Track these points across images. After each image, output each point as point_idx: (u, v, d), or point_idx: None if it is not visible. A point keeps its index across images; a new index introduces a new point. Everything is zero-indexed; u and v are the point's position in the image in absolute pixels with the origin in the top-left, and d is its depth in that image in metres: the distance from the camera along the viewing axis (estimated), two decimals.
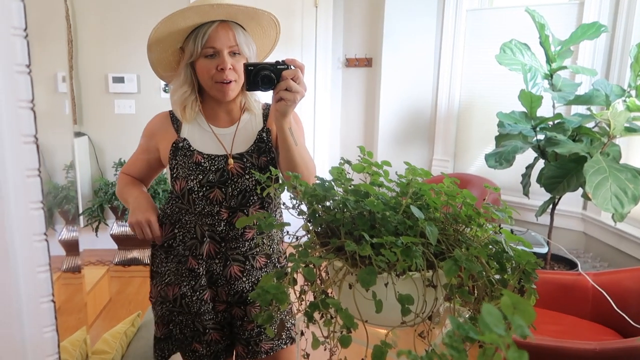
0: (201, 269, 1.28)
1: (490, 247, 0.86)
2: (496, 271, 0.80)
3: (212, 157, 1.27)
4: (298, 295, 0.85)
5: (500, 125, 2.50)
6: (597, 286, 1.79)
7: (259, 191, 1.28)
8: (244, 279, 1.29)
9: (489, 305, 0.36)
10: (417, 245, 0.72)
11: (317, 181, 0.96)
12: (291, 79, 1.12)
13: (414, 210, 0.75)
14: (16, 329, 0.52)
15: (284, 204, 0.94)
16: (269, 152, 1.30)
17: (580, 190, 2.25)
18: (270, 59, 1.34)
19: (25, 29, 0.47)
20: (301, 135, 1.32)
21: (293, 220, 1.00)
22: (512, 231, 2.40)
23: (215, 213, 1.26)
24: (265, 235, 1.31)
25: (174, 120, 1.32)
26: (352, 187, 0.93)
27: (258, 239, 1.30)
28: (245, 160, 1.27)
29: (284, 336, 1.33)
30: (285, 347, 1.33)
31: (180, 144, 1.28)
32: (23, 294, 0.52)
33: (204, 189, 1.26)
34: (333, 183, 0.94)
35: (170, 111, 1.34)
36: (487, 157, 2.36)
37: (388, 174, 0.97)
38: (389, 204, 0.85)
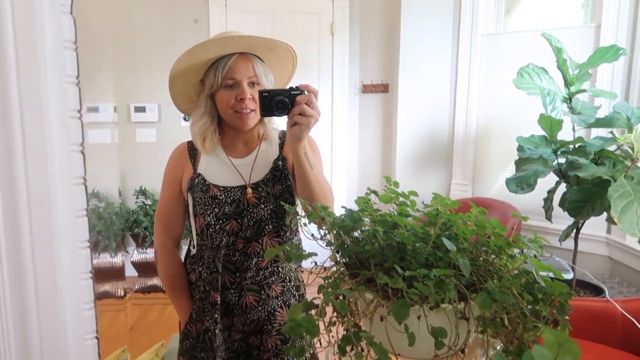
0: (220, 300, 1.28)
1: (521, 278, 0.85)
2: (528, 302, 0.79)
3: (229, 189, 1.28)
4: (326, 326, 0.85)
5: (520, 149, 2.48)
6: (626, 314, 1.74)
7: (280, 218, 1.29)
8: (260, 308, 1.29)
9: (539, 347, 0.36)
10: (449, 277, 0.72)
11: (343, 210, 0.96)
12: (305, 103, 1.13)
13: (446, 242, 0.76)
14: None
15: (312, 235, 0.95)
16: (284, 181, 1.31)
17: (603, 214, 2.22)
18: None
19: (77, 77, 0.50)
20: (318, 161, 1.32)
21: (318, 250, 1.01)
22: (534, 256, 2.36)
23: (231, 244, 1.27)
24: (281, 263, 1.32)
25: (192, 154, 1.35)
26: (379, 217, 0.93)
27: (280, 266, 1.31)
28: (260, 189, 1.29)
29: None
30: None
31: (196, 180, 1.30)
32: (69, 331, 0.53)
33: (220, 221, 1.27)
34: (360, 215, 0.94)
35: (188, 142, 1.37)
36: (508, 182, 2.35)
37: (415, 204, 0.98)
38: (418, 235, 0.86)
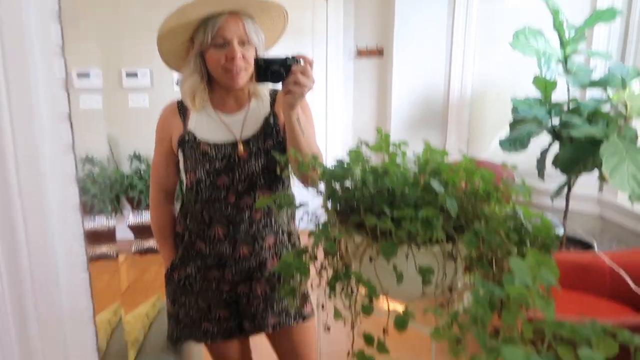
0: (208, 250, 1.31)
1: (509, 222, 0.87)
2: (515, 244, 0.81)
3: (219, 145, 1.29)
4: (318, 270, 0.87)
5: (515, 111, 2.49)
6: (613, 265, 1.79)
7: (272, 172, 1.30)
8: (252, 259, 1.32)
9: (516, 259, 0.37)
10: (437, 217, 0.74)
11: (335, 163, 0.98)
12: (300, 72, 1.14)
13: (434, 184, 0.77)
14: (55, 299, 0.55)
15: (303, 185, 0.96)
16: (275, 136, 1.32)
17: (595, 174, 2.24)
18: (281, 49, 1.36)
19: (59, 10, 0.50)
20: (310, 127, 1.34)
21: (311, 202, 1.02)
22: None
23: (223, 198, 1.29)
24: (273, 215, 1.34)
25: (181, 111, 1.35)
26: (371, 166, 0.94)
27: (272, 218, 1.34)
28: (251, 145, 1.30)
29: (292, 313, 1.36)
30: (295, 324, 1.36)
31: (187, 137, 1.30)
32: (60, 265, 0.54)
33: (211, 176, 1.29)
34: (352, 164, 0.95)
35: (178, 101, 1.37)
36: (502, 142, 2.36)
37: (405, 154, 0.98)
38: (407, 181, 0.87)
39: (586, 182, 2.78)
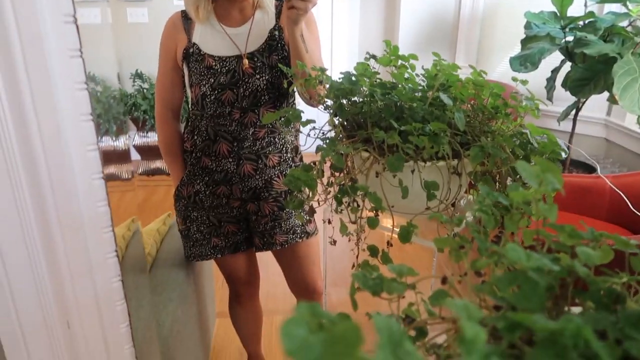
0: (214, 165, 1.32)
1: (515, 139, 0.87)
2: (519, 158, 0.82)
3: (224, 58, 1.27)
4: (324, 186, 0.89)
5: (528, 26, 2.39)
6: (614, 187, 1.81)
7: (276, 88, 1.29)
8: (257, 177, 1.33)
9: (523, 162, 0.38)
10: (444, 132, 0.74)
11: (341, 77, 0.96)
12: None
13: (443, 97, 0.76)
14: (80, 231, 0.56)
15: (310, 98, 0.95)
16: (280, 50, 1.29)
17: (605, 96, 2.19)
18: None
19: None
20: (315, 42, 1.30)
21: (318, 118, 1.01)
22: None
23: (227, 114, 1.28)
24: (277, 134, 1.34)
25: (186, 23, 1.31)
26: (378, 80, 0.92)
27: (277, 137, 1.34)
28: (256, 59, 1.27)
29: (298, 230, 1.40)
30: (300, 240, 1.40)
31: (191, 50, 1.28)
32: (82, 200, 0.55)
33: (216, 91, 1.27)
34: (359, 77, 0.94)
35: (182, 11, 1.33)
36: (512, 60, 2.29)
37: (414, 68, 0.96)
38: (416, 94, 0.86)
39: (594, 105, 2.74)
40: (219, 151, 1.31)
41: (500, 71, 3.24)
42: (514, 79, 0.98)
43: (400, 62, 0.95)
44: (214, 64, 1.26)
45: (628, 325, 0.31)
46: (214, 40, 1.28)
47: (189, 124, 1.37)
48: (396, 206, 0.82)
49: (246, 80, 1.26)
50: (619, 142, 2.77)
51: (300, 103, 1.33)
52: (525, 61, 2.22)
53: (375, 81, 0.92)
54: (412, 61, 0.97)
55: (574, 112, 2.39)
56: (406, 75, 0.97)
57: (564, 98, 2.47)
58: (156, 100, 1.41)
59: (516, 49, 2.56)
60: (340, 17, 3.78)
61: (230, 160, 1.31)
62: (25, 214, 0.54)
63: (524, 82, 0.96)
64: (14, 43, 0.48)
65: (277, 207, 1.36)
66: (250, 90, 1.27)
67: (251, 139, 1.30)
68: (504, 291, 0.32)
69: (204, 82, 1.27)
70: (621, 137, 2.75)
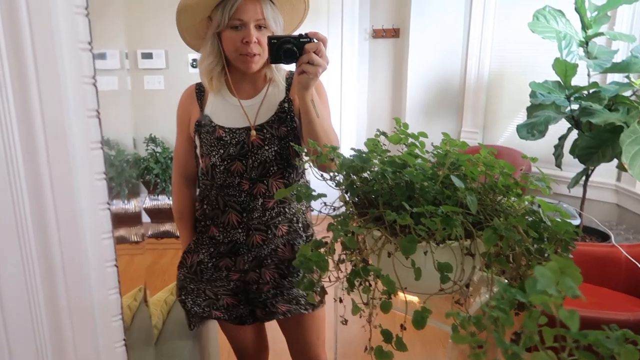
0: (222, 236, 1.32)
1: (528, 217, 0.86)
2: (533, 241, 0.81)
3: (234, 130, 1.29)
4: (336, 263, 0.88)
5: (533, 95, 2.44)
6: (630, 257, 1.77)
7: (285, 160, 1.31)
8: (264, 247, 1.33)
9: (541, 267, 0.37)
10: (456, 214, 0.74)
11: (352, 152, 0.97)
12: (314, 52, 1.13)
13: (455, 179, 0.76)
14: (86, 290, 0.56)
15: (321, 175, 0.96)
16: (290, 122, 1.31)
17: (614, 162, 2.20)
18: (297, 31, 1.35)
19: (87, 7, 0.50)
20: (325, 108, 1.32)
21: (327, 191, 1.02)
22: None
23: (237, 184, 1.29)
24: (287, 204, 1.34)
25: (199, 95, 1.35)
26: (389, 158, 0.94)
27: (289, 207, 1.35)
28: (265, 131, 1.29)
29: (302, 301, 1.36)
30: (305, 312, 1.37)
31: (203, 122, 1.30)
32: (90, 259, 0.55)
33: (225, 162, 1.28)
34: (369, 154, 0.95)
35: (197, 84, 1.37)
36: (519, 128, 2.33)
37: (424, 145, 0.98)
38: (426, 174, 0.86)
39: (604, 170, 2.74)
40: (228, 221, 1.31)
41: (506, 137, 3.28)
42: (524, 157, 0.99)
43: (410, 139, 0.97)
44: (224, 135, 1.28)
45: None
46: (226, 111, 1.32)
47: (200, 192, 1.39)
48: (409, 286, 0.81)
49: (254, 151, 1.28)
50: (631, 208, 2.75)
51: (310, 173, 1.34)
52: (532, 129, 2.26)
53: (386, 159, 0.93)
54: (421, 138, 0.98)
55: (583, 178, 2.39)
56: (417, 151, 0.98)
57: (571, 164, 2.49)
58: (173, 168, 1.45)
59: (521, 115, 2.61)
60: (349, 86, 3.90)
61: (240, 230, 1.31)
62: (30, 266, 0.54)
63: (534, 160, 0.96)
64: (34, 100, 0.50)
65: (278, 274, 1.34)
66: (259, 161, 1.28)
67: (260, 209, 1.30)
68: None
69: (214, 153, 1.29)
70: (633, 203, 2.73)
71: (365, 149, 0.98)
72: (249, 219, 1.31)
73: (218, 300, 1.37)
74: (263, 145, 1.28)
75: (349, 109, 3.92)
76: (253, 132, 1.28)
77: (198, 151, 1.35)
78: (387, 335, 0.67)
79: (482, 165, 0.88)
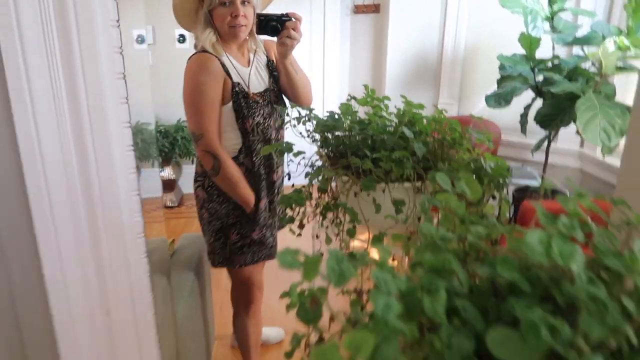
0: (271, 180, 1.66)
1: (472, 165, 1.04)
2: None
3: (261, 93, 1.59)
4: (313, 207, 1.06)
5: (502, 67, 2.62)
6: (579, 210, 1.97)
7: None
8: (281, 177, 1.72)
9: (440, 173, 0.55)
10: (407, 158, 0.91)
11: (327, 115, 1.14)
12: (292, 28, 1.46)
13: (405, 130, 0.94)
14: (117, 213, 0.73)
15: (300, 133, 1.13)
16: (277, 79, 1.65)
17: (573, 128, 2.40)
18: (280, 4, 1.68)
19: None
20: (299, 68, 1.64)
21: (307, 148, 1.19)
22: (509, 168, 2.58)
23: (273, 136, 1.63)
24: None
25: (224, 67, 1.52)
26: (358, 118, 1.11)
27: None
28: (274, 89, 1.63)
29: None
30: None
31: (237, 89, 1.53)
32: (120, 189, 0.73)
33: (265, 119, 1.58)
34: (342, 117, 1.12)
35: (209, 57, 1.50)
36: (487, 98, 2.51)
37: (388, 107, 1.15)
38: (386, 129, 1.04)
39: (569, 137, 2.95)
40: (272, 166, 1.62)
41: (481, 107, 3.46)
42: (472, 116, 1.17)
43: (375, 102, 1.14)
44: (257, 98, 1.56)
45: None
46: (244, 79, 1.56)
47: (246, 150, 1.58)
48: (371, 220, 0.99)
49: (275, 107, 1.60)
50: (593, 173, 2.97)
51: (291, 133, 1.55)
52: (499, 99, 2.44)
53: (356, 119, 1.10)
54: (386, 102, 1.16)
55: (546, 143, 2.59)
56: (383, 114, 1.15)
57: (537, 132, 2.68)
58: (213, 138, 1.51)
59: (494, 88, 2.78)
60: (332, 61, 4.04)
61: (277, 172, 1.65)
62: (75, 194, 0.70)
63: (480, 118, 1.14)
64: (78, 66, 0.66)
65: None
66: (278, 114, 1.61)
67: (278, 155, 1.62)
68: (420, 256, 0.48)
69: (256, 114, 1.55)
70: (595, 168, 2.95)
71: (339, 112, 1.15)
72: (278, 163, 1.65)
73: (266, 239, 1.66)
74: (277, 101, 1.62)
75: (331, 83, 4.07)
76: (272, 94, 1.61)
77: (233, 116, 1.53)
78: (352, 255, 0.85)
79: (433, 122, 1.06)
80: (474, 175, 1.01)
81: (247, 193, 1.58)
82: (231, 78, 1.52)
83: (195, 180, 1.65)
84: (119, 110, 0.70)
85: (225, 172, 1.53)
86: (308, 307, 0.44)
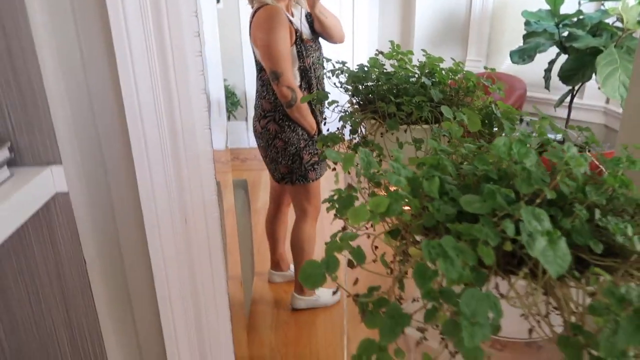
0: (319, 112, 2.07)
1: (483, 110, 1.20)
2: (484, 124, 1.15)
3: (311, 38, 1.90)
4: (346, 145, 1.24)
5: (527, 23, 2.69)
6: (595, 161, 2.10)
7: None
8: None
9: (445, 107, 0.72)
10: (425, 102, 1.08)
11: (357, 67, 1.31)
12: None
13: (425, 80, 1.10)
14: (194, 143, 0.93)
15: (334, 84, 1.30)
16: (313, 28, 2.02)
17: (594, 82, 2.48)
18: None
19: None
20: (330, 14, 1.95)
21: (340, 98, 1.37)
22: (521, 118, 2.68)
23: (320, 74, 1.99)
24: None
25: (286, 15, 1.86)
26: (385, 70, 1.27)
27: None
28: (317, 35, 1.96)
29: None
30: None
31: (298, 33, 1.87)
32: (196, 124, 0.92)
33: (318, 59, 1.91)
34: (370, 69, 1.29)
35: (273, 7, 1.84)
36: (512, 54, 2.60)
37: (411, 61, 1.31)
38: (409, 79, 1.20)
39: (594, 94, 3.01)
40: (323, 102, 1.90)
41: (507, 63, 3.53)
42: (486, 68, 1.31)
43: (400, 56, 1.29)
44: (310, 42, 1.90)
45: None
46: (298, 26, 1.90)
47: (302, 84, 1.95)
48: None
49: (321, 50, 1.94)
50: (616, 128, 3.04)
51: (327, 84, 1.91)
52: (523, 54, 2.53)
53: (382, 71, 1.27)
54: (410, 56, 1.31)
55: (569, 98, 2.68)
56: (407, 66, 1.31)
57: (562, 88, 2.76)
58: (287, 70, 1.86)
59: (520, 44, 2.85)
60: (361, 16, 4.12)
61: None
62: (165, 149, 0.91)
63: (492, 70, 1.29)
64: (165, 26, 0.83)
65: None
66: (322, 56, 1.93)
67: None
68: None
69: (311, 54, 1.88)
70: (618, 123, 3.02)
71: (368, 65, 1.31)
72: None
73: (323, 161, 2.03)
74: (321, 46, 1.95)
75: (360, 41, 4.17)
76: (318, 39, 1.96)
77: (295, 55, 1.88)
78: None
79: (450, 72, 1.21)
80: (485, 120, 1.17)
81: (312, 119, 1.97)
82: (293, 25, 1.84)
83: (264, 117, 2.01)
84: (196, 62, 0.89)
85: (298, 103, 1.90)
86: (345, 197, 0.63)
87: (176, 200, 0.96)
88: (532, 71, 3.00)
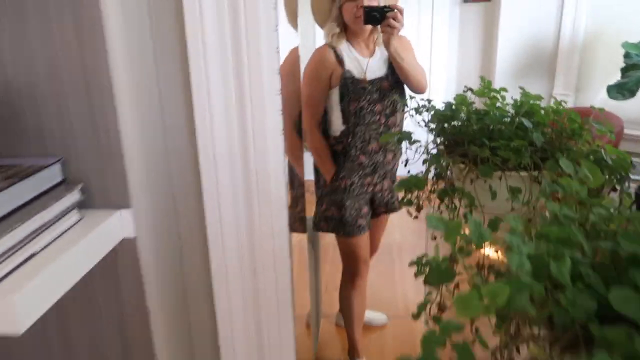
0: (367, 161, 1.79)
1: (591, 156, 1.05)
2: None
3: (372, 80, 1.74)
4: (430, 189, 1.13)
5: (627, 56, 2.46)
6: None
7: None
8: (392, 162, 1.85)
9: (564, 159, 0.60)
10: (525, 147, 0.95)
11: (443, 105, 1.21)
12: (392, 18, 1.59)
13: (524, 120, 0.98)
14: (263, 116, 0.84)
15: (418, 123, 1.21)
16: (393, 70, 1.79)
17: None
18: None
19: None
20: (408, 53, 1.77)
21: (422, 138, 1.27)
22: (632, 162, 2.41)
23: (377, 120, 1.75)
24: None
25: (336, 56, 1.74)
26: (475, 108, 1.16)
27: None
28: (390, 79, 1.75)
29: (397, 203, 1.91)
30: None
31: (347, 75, 1.72)
32: (266, 89, 0.85)
33: (371, 105, 1.72)
34: (458, 106, 1.18)
35: (327, 47, 1.75)
36: (609, 89, 2.37)
37: (505, 98, 1.18)
38: (504, 120, 1.08)
39: None
40: (372, 149, 1.77)
41: (600, 98, 3.25)
42: (592, 107, 1.16)
43: (492, 94, 1.18)
44: (367, 85, 1.72)
45: None
46: (360, 67, 1.74)
47: (345, 131, 1.77)
48: (486, 207, 1.04)
49: (387, 94, 1.74)
50: None
51: (409, 124, 1.73)
52: (622, 89, 2.30)
53: (472, 109, 1.16)
54: (502, 93, 1.19)
55: None
56: (498, 104, 1.19)
57: None
58: (308, 116, 1.80)
59: (617, 77, 2.61)
60: (439, 49, 4.01)
61: (380, 154, 1.79)
62: (237, 195, 0.85)
63: (601, 110, 1.14)
64: (242, 20, 0.78)
65: (392, 181, 1.88)
66: (390, 101, 1.75)
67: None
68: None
69: (362, 98, 1.72)
70: None
71: (454, 103, 1.21)
72: (386, 145, 1.78)
73: (361, 210, 1.83)
74: (391, 89, 1.75)
75: (438, 74, 4.04)
76: (385, 82, 1.74)
77: (337, 99, 1.75)
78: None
79: (551, 113, 1.08)
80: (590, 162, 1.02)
81: (332, 166, 1.82)
82: (342, 66, 1.71)
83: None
84: (274, 101, 0.83)
85: (315, 144, 1.82)
86: (443, 269, 0.52)
87: (245, 252, 0.89)
88: (628, 107, 2.73)
